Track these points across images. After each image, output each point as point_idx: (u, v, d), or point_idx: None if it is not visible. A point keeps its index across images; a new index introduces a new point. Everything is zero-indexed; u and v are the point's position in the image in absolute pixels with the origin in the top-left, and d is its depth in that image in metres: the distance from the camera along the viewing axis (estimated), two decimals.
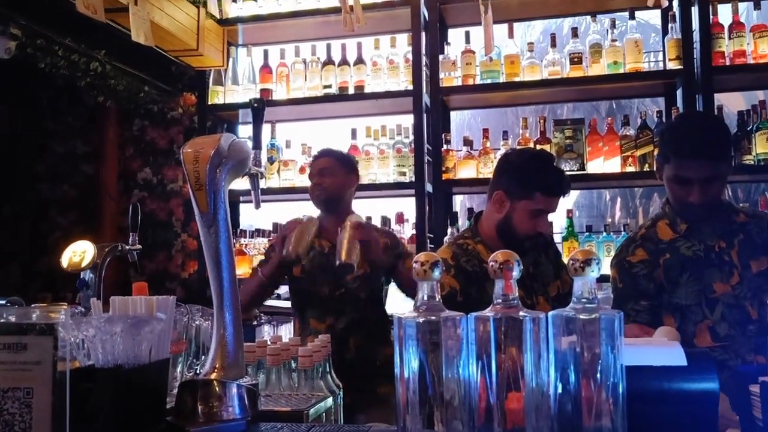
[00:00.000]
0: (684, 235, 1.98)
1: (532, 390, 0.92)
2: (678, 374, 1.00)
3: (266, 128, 3.80)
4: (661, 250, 1.99)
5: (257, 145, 1.49)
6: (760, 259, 1.92)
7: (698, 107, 3.28)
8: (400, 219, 3.56)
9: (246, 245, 3.68)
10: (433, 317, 0.93)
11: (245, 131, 4.07)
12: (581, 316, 0.91)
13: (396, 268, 2.67)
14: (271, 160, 3.63)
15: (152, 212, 4.09)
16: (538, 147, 3.42)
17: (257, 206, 1.50)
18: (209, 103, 3.80)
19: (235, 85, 3.79)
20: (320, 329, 2.61)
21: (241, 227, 3.83)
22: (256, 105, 1.46)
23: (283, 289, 3.76)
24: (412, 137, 3.53)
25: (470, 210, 3.53)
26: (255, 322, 3.37)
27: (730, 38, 3.30)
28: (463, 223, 3.55)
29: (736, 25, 3.30)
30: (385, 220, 3.56)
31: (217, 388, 1.23)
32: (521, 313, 0.91)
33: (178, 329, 1.76)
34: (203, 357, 1.95)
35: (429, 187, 3.51)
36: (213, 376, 1.25)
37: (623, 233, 3.33)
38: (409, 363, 0.95)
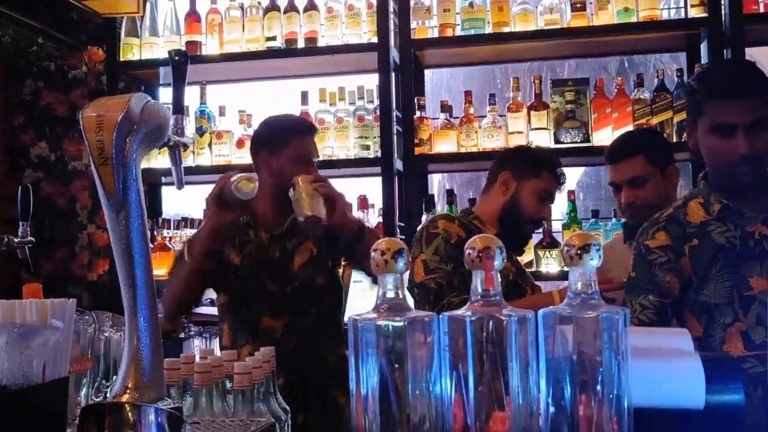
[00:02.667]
0: (718, 217, 1.98)
1: (518, 408, 0.93)
2: None
3: (195, 91, 3.78)
4: (689, 235, 2.00)
5: (179, 108, 1.47)
6: None
7: None
8: (364, 203, 3.57)
9: (170, 238, 3.65)
10: (398, 319, 0.93)
11: (167, 95, 4.01)
12: (578, 315, 0.92)
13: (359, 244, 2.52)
14: (200, 132, 3.60)
15: (49, 197, 4.02)
16: (533, 113, 3.46)
17: (179, 186, 1.49)
18: (121, 59, 3.75)
19: (155, 37, 3.75)
20: (276, 329, 2.58)
21: (164, 216, 3.80)
22: (177, 58, 1.44)
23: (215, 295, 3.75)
24: (377, 102, 3.53)
25: (449, 192, 3.55)
26: (182, 334, 3.35)
27: None
28: (442, 207, 3.57)
29: None
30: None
31: (129, 414, 1.21)
32: (505, 312, 0.92)
33: (82, 342, 1.74)
34: (114, 377, 1.93)
35: (399, 164, 3.52)
36: (124, 398, 1.23)
37: None
38: (367, 378, 0.95)
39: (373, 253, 0.95)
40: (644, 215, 2.42)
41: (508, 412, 0.93)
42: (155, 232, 3.65)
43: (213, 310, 3.61)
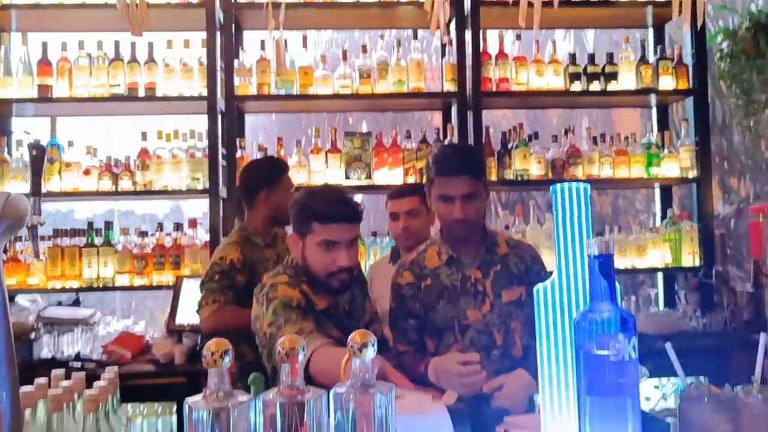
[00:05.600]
0: (446, 263, 2.10)
1: None
2: None
3: (45, 122, 3.49)
4: (425, 276, 2.09)
5: (36, 191, 1.37)
6: (512, 288, 2.07)
7: (469, 124, 3.60)
8: (193, 224, 3.47)
9: (21, 251, 3.34)
10: (225, 404, 0.95)
11: (18, 125, 3.67)
12: (360, 394, 0.99)
13: None
14: (51, 161, 3.32)
15: None
16: (330, 155, 3.52)
17: (36, 256, 1.40)
18: None
19: (8, 77, 3.40)
20: None
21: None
22: (35, 152, 1.34)
23: (65, 296, 3.49)
24: (206, 142, 3.44)
25: None
26: (33, 336, 3.08)
27: (496, 65, 3.65)
28: None
29: (501, 55, 3.67)
30: (178, 226, 3.45)
31: None
32: (306, 396, 0.97)
33: None
34: None
35: (224, 192, 3.46)
36: None
37: None
38: None
39: (204, 351, 0.96)
40: (413, 240, 2.56)
41: None
42: (7, 245, 3.33)
43: (60, 312, 3.36)
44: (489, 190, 2.22)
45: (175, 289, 3.25)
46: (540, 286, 1.01)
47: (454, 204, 2.01)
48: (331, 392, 1.00)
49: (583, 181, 3.55)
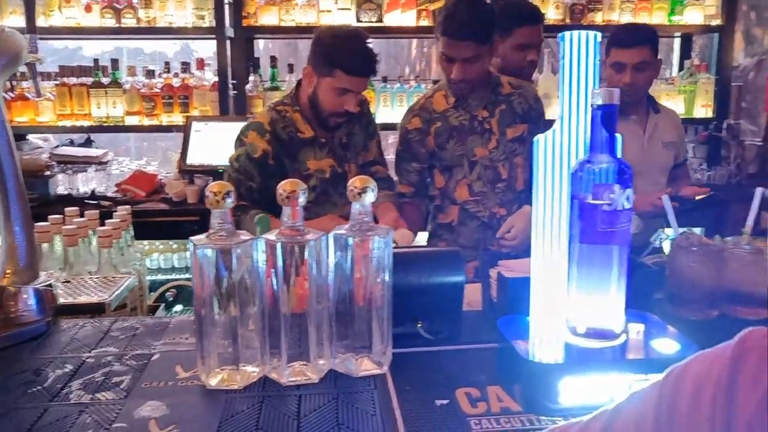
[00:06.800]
0: (454, 106, 2.16)
1: (314, 293, 1.03)
2: (433, 271, 1.17)
3: None
4: (434, 119, 2.17)
5: (32, 27, 1.33)
6: (516, 126, 2.16)
7: None
8: (201, 65, 3.40)
9: (28, 89, 3.30)
10: (228, 243, 0.98)
11: None
12: (357, 237, 1.01)
13: None
14: None
15: None
16: None
17: (38, 95, 1.38)
18: None
19: None
20: None
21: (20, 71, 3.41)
22: None
23: (77, 136, 3.51)
24: None
25: (272, 57, 3.45)
26: (47, 173, 3.13)
27: None
28: (264, 69, 3.47)
29: None
30: (185, 66, 3.38)
31: (10, 294, 1.19)
32: (306, 237, 0.99)
33: None
34: None
35: (230, 32, 3.34)
36: (5, 282, 1.21)
37: (415, 85, 3.48)
38: (203, 286, 1.00)
39: (208, 194, 0.97)
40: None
41: (305, 284, 1.01)
42: (14, 83, 3.29)
43: (73, 150, 3.40)
44: (496, 47, 2.17)
45: (185, 130, 3.24)
46: (541, 136, 1.00)
47: (454, 65, 2.04)
48: (332, 234, 1.02)
49: (601, 28, 3.44)
